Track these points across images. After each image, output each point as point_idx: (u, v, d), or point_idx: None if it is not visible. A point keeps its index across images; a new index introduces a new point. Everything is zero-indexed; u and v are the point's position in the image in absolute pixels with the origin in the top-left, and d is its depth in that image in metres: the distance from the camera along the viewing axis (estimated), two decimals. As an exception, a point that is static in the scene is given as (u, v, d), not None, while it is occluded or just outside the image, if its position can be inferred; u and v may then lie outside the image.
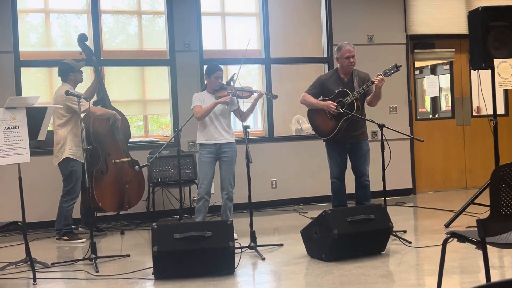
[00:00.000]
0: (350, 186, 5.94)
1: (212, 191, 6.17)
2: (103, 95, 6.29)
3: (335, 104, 5.59)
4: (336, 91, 5.73)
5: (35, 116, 4.80)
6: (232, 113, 5.76)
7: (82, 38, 6.26)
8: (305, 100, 5.84)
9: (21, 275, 4.58)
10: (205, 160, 5.59)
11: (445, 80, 8.78)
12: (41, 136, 4.94)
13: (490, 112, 5.90)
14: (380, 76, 5.47)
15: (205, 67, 7.25)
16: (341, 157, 5.83)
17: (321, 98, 5.83)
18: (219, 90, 5.67)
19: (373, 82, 5.51)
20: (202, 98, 5.66)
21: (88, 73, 6.28)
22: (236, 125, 7.53)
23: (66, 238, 5.86)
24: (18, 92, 6.65)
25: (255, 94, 5.68)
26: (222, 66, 5.84)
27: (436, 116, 8.93)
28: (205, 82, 5.84)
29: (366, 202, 5.78)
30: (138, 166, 5.88)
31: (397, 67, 5.55)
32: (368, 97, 5.71)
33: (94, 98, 6.44)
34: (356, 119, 5.66)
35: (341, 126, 5.65)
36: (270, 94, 5.87)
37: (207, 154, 5.59)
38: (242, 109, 5.68)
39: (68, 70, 5.98)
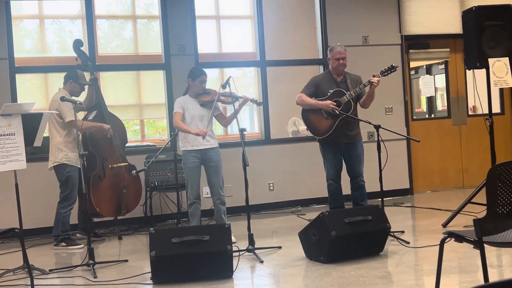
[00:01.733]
0: (345, 187, 5.95)
1: (207, 195, 6.17)
2: (99, 101, 6.27)
3: (334, 103, 5.62)
4: (330, 91, 5.77)
5: (31, 123, 4.80)
6: (214, 118, 5.76)
7: (77, 44, 6.26)
8: (302, 101, 5.85)
9: (19, 282, 4.57)
10: (191, 166, 5.57)
11: (440, 80, 8.79)
12: (37, 142, 4.93)
13: (486, 111, 5.92)
14: (376, 77, 5.49)
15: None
16: (336, 159, 5.86)
17: (314, 98, 5.86)
18: (202, 95, 5.66)
19: (370, 82, 5.53)
20: (185, 104, 5.65)
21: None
22: (233, 128, 7.53)
23: (64, 244, 5.85)
24: (14, 98, 6.64)
25: (240, 100, 5.65)
26: (217, 70, 5.83)
27: (432, 116, 8.94)
28: (188, 85, 5.80)
29: (363, 202, 5.80)
30: (135, 171, 5.87)
31: (394, 68, 5.59)
32: (362, 99, 5.75)
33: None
34: (351, 120, 5.69)
35: (337, 125, 5.68)
36: (255, 101, 5.81)
37: (193, 159, 5.56)
38: (225, 114, 5.66)
39: (70, 76, 6.00)
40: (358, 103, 5.84)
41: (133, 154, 6.78)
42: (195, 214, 5.54)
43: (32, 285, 4.34)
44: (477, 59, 5.75)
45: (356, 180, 5.85)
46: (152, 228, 4.46)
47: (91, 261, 4.77)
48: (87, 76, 6.36)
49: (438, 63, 8.72)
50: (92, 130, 6.07)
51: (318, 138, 5.91)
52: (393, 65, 5.62)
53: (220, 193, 5.61)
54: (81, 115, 6.26)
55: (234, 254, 4.48)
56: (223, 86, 5.60)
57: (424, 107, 9.14)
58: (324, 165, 5.97)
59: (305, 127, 6.24)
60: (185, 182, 5.67)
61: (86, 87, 6.21)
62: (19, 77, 6.88)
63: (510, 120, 8.80)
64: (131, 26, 7.96)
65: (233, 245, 4.51)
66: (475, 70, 5.92)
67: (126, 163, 6.29)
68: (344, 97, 5.68)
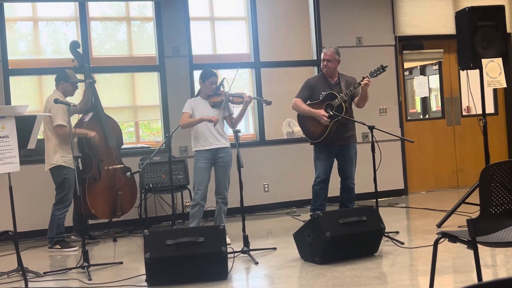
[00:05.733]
0: (332, 189, 5.97)
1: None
2: (96, 102, 6.26)
3: (326, 114, 5.64)
4: (323, 93, 5.79)
5: (25, 125, 4.78)
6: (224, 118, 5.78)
7: (74, 45, 6.24)
8: (297, 106, 5.91)
9: (13, 285, 4.56)
10: (201, 166, 5.58)
11: (434, 80, 8.82)
12: (31, 145, 4.91)
13: (480, 111, 5.93)
14: (366, 79, 5.52)
15: (195, 72, 7.29)
16: (329, 160, 5.90)
17: (308, 102, 5.89)
18: (213, 96, 5.68)
19: (359, 84, 5.57)
20: (194, 105, 5.67)
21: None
22: (228, 129, 7.53)
23: (58, 246, 5.83)
24: (8, 101, 6.62)
25: (247, 98, 5.67)
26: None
27: (427, 116, 8.97)
28: (199, 87, 5.83)
29: (350, 205, 5.85)
30: (129, 173, 5.85)
31: (383, 68, 5.60)
32: (356, 99, 5.78)
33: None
34: (345, 121, 5.71)
35: (331, 129, 5.71)
36: (264, 100, 5.83)
37: (203, 160, 5.58)
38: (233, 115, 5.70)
39: (60, 78, 5.97)
40: (353, 103, 5.87)
41: (127, 156, 6.77)
42: (196, 217, 5.54)
43: (27, 287, 4.34)
44: (470, 59, 5.77)
45: (347, 182, 5.89)
46: (147, 230, 4.46)
47: (85, 264, 4.76)
48: (82, 76, 6.35)
49: (432, 64, 8.74)
50: (79, 136, 6.02)
51: (313, 142, 5.93)
52: (382, 65, 5.63)
53: (225, 193, 5.65)
54: (74, 118, 6.22)
55: (229, 255, 4.48)
56: (217, 88, 5.62)
57: (418, 107, 9.16)
58: (315, 164, 5.99)
59: (300, 128, 6.26)
60: (193, 183, 5.67)
61: (80, 85, 6.19)
62: (13, 80, 6.86)
63: (504, 120, 8.83)
64: (125, 28, 7.97)
65: (228, 246, 4.50)
66: (469, 71, 5.94)
67: (121, 165, 6.27)
68: (336, 100, 5.71)
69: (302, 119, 5.97)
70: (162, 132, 7.33)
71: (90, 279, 4.57)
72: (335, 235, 4.57)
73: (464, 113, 8.70)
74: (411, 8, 8.22)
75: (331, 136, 5.75)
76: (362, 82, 5.52)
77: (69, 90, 6.01)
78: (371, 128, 5.31)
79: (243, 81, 8.37)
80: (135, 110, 8.26)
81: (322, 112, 5.70)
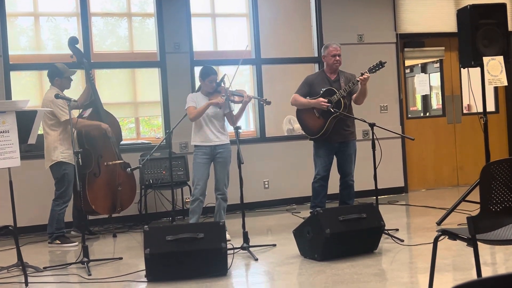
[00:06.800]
0: (332, 186, 5.97)
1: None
2: (95, 98, 6.26)
3: (325, 100, 5.65)
4: (322, 89, 5.79)
5: (25, 120, 4.78)
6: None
7: (72, 41, 6.23)
8: (296, 101, 5.91)
9: (13, 280, 4.56)
10: (200, 161, 5.58)
11: (435, 78, 8.81)
12: (32, 140, 4.91)
13: (481, 109, 5.93)
14: (365, 74, 5.52)
15: (196, 68, 7.28)
16: (328, 157, 5.90)
17: (308, 98, 5.89)
18: (213, 93, 5.68)
19: (358, 80, 5.58)
20: (196, 99, 5.67)
21: (79, 76, 6.24)
22: (228, 125, 7.53)
23: (58, 241, 5.84)
24: (8, 96, 6.62)
25: (247, 98, 5.66)
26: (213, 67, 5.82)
27: (427, 114, 8.96)
28: (199, 84, 5.83)
29: (350, 202, 5.86)
30: (129, 169, 5.85)
31: (382, 64, 5.61)
32: (354, 95, 5.78)
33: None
34: (344, 118, 5.71)
35: (330, 124, 5.71)
36: (263, 100, 5.82)
37: (202, 155, 5.58)
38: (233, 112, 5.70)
39: (54, 74, 5.96)
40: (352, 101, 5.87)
41: (128, 152, 6.77)
42: (196, 212, 5.54)
43: (26, 282, 4.35)
44: (471, 57, 5.76)
45: (346, 179, 5.89)
46: (147, 226, 4.46)
47: (85, 259, 4.76)
48: (81, 74, 6.34)
49: (433, 62, 8.74)
50: (89, 129, 6.05)
51: (311, 138, 5.94)
52: (381, 61, 5.63)
53: (224, 189, 5.64)
54: (75, 112, 6.23)
55: (228, 251, 4.48)
56: (217, 84, 5.62)
57: (419, 105, 9.15)
58: (315, 162, 5.99)
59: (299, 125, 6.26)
60: (192, 178, 5.67)
61: (80, 80, 6.19)
62: (13, 75, 6.85)
63: (505, 119, 8.83)
64: (126, 24, 7.95)
65: (227, 242, 4.51)
66: (470, 69, 5.94)
67: (121, 161, 6.28)
68: (335, 96, 5.71)
69: (301, 114, 5.97)
70: (163, 128, 7.33)
71: (89, 275, 4.58)
72: (334, 232, 4.57)
73: (465, 111, 8.70)
74: (412, 6, 8.21)
75: (330, 132, 5.75)
76: (361, 77, 5.52)
77: (65, 84, 6.01)
78: (372, 125, 5.31)
79: (243, 78, 8.36)
80: (136, 106, 8.24)
81: (320, 99, 5.71)
